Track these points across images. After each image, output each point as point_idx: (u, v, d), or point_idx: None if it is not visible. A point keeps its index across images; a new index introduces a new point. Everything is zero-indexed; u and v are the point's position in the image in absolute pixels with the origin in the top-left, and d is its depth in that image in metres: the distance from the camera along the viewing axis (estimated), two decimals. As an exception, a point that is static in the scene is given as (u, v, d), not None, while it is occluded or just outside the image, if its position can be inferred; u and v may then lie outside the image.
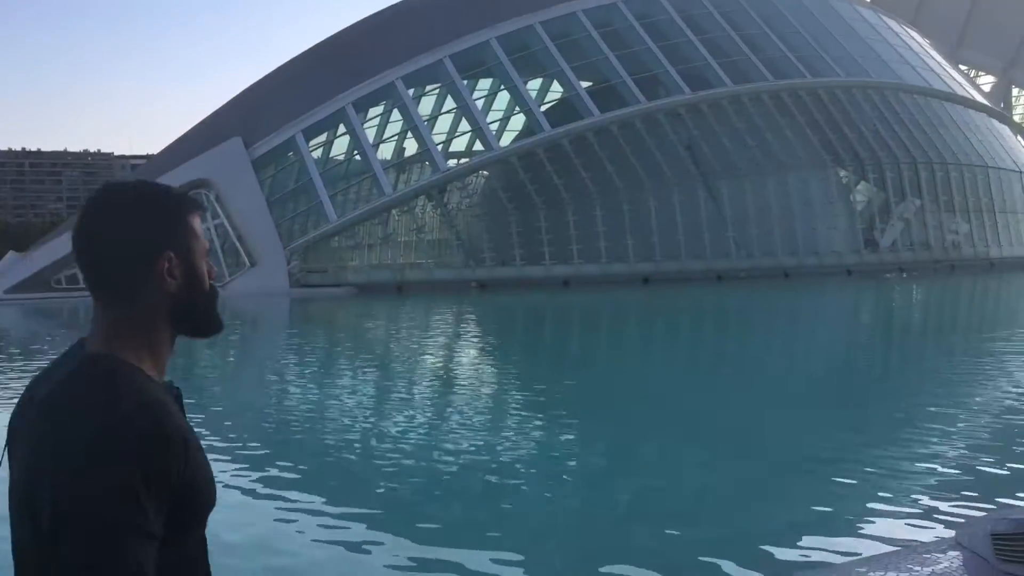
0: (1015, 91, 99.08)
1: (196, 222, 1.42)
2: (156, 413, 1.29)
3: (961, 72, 51.78)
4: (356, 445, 8.73)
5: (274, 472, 7.43)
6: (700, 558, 5.03)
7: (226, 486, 6.27)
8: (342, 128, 39.45)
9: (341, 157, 41.31)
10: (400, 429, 9.30)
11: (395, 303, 30.31)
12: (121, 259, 1.36)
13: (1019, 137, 49.96)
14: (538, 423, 9.58)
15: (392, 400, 11.54)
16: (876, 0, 78.82)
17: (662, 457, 7.92)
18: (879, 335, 19.50)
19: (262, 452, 8.40)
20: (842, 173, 41.18)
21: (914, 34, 49.32)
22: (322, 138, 40.25)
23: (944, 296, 30.55)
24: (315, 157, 39.26)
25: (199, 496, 1.33)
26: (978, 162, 42.30)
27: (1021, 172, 44.55)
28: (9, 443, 1.38)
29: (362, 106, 39.29)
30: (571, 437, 8.87)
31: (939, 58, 48.23)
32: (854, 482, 6.55)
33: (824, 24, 44.02)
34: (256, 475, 7.19)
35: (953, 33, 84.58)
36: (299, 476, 7.35)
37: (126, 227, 1.36)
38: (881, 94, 41.90)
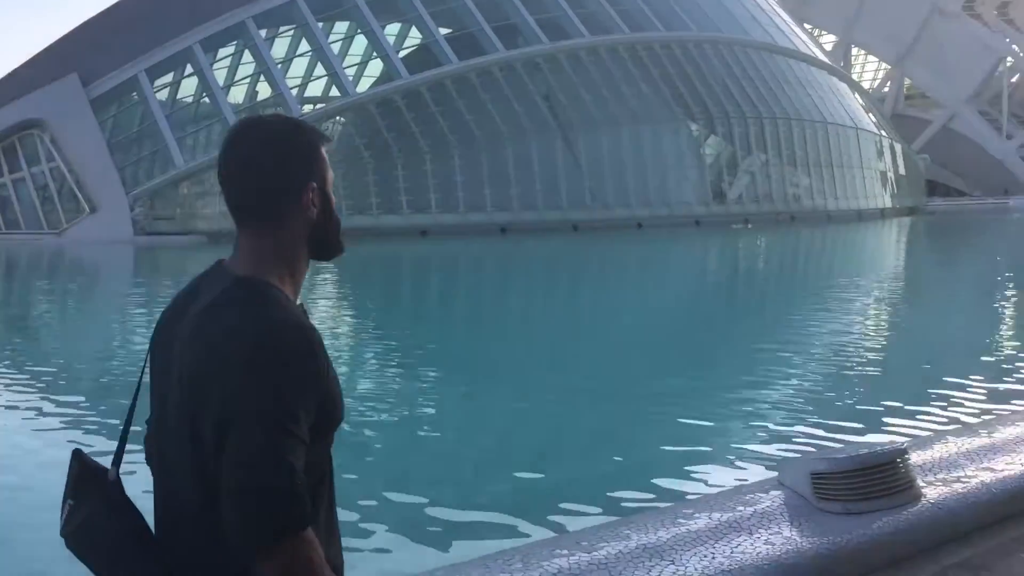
0: (854, 50, 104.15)
1: (325, 153, 1.56)
2: (306, 328, 1.43)
3: (805, 30, 53.84)
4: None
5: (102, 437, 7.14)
6: (534, 503, 5.13)
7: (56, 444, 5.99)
8: (189, 68, 37.70)
9: (189, 99, 39.49)
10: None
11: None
12: (274, 190, 1.48)
13: (856, 95, 52.52)
14: (390, 372, 9.56)
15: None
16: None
17: (506, 403, 8.05)
18: (723, 283, 20.33)
19: (94, 415, 8.02)
20: (693, 127, 42.34)
21: (763, -9, 50.86)
22: (168, 78, 38.35)
23: (785, 246, 32.09)
24: (161, 99, 37.40)
25: (334, 408, 1.46)
26: (818, 118, 44.31)
27: (857, 128, 46.95)
28: (153, 356, 1.52)
29: (211, 46, 37.58)
30: (422, 385, 8.90)
31: (785, 16, 49.96)
32: (686, 424, 6.81)
33: (677, -22, 44.79)
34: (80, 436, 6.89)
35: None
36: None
37: (278, 161, 1.48)
38: (730, 50, 43.14)
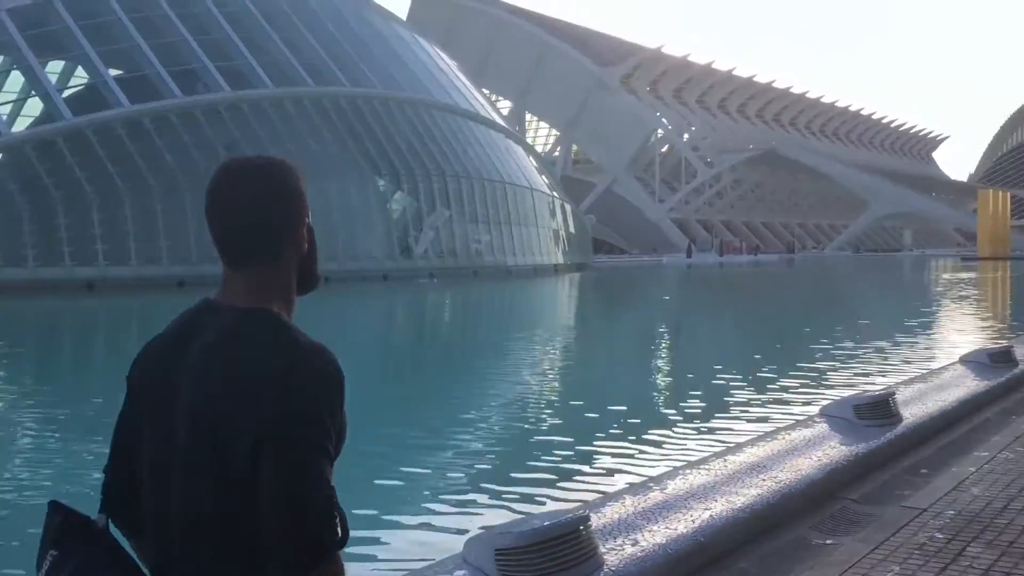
0: (528, 116, 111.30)
1: None
2: (331, 354, 1.46)
3: (483, 95, 56.61)
4: None
5: None
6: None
7: None
8: None
9: None
10: None
11: None
12: (276, 229, 1.52)
13: (531, 157, 55.86)
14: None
15: None
16: (410, 19, 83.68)
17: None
18: (407, 339, 20.42)
19: None
20: (380, 182, 42.78)
21: (444, 55, 52.90)
22: None
23: (468, 301, 33.08)
24: None
25: (344, 433, 1.47)
26: (497, 178, 46.53)
27: (532, 189, 49.84)
28: (139, 399, 1.53)
29: None
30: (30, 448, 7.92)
31: (465, 80, 52.24)
32: (362, 496, 6.46)
33: (361, 35, 45.45)
34: None
35: (476, 60, 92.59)
36: None
37: (280, 200, 1.53)
38: (415, 109, 44.28)
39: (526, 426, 9.44)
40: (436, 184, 43.41)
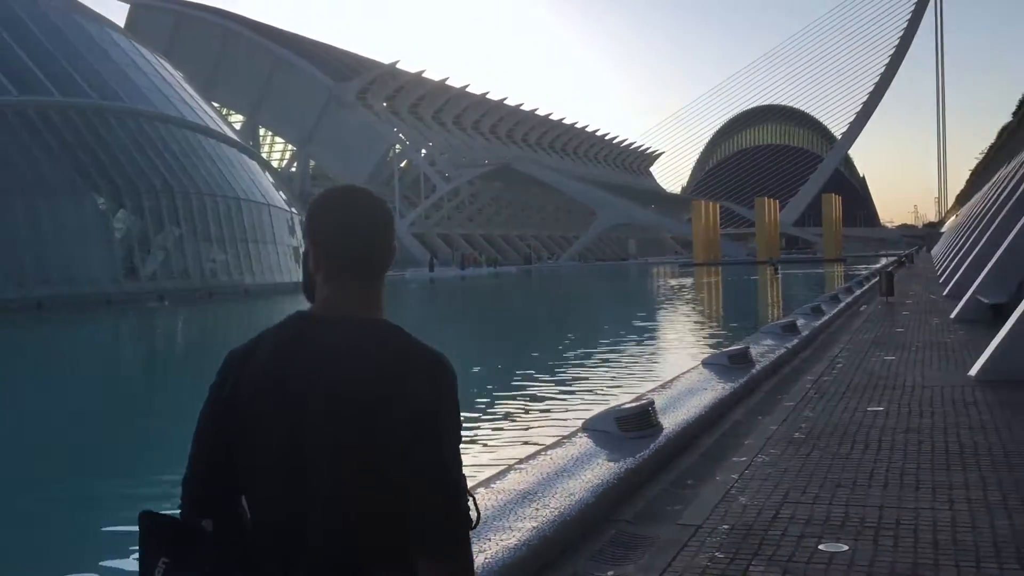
0: (262, 131, 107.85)
1: None
2: None
3: (214, 108, 53.94)
4: None
5: None
6: None
7: None
8: None
9: None
10: None
11: None
12: (391, 247, 1.70)
13: (267, 173, 53.83)
14: None
15: None
16: (128, 27, 78.57)
17: None
18: (126, 372, 18.73)
19: None
20: (99, 200, 39.39)
21: (168, 65, 49.84)
22: None
23: (204, 323, 31.14)
24: None
25: None
26: (231, 194, 44.31)
27: (269, 205, 47.93)
28: (246, 404, 1.60)
29: None
30: None
31: (193, 92, 49.46)
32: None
33: (74, 43, 41.86)
34: None
35: (205, 72, 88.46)
36: None
37: (391, 223, 1.70)
38: (136, 121, 41.28)
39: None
40: (164, 201, 40.62)
